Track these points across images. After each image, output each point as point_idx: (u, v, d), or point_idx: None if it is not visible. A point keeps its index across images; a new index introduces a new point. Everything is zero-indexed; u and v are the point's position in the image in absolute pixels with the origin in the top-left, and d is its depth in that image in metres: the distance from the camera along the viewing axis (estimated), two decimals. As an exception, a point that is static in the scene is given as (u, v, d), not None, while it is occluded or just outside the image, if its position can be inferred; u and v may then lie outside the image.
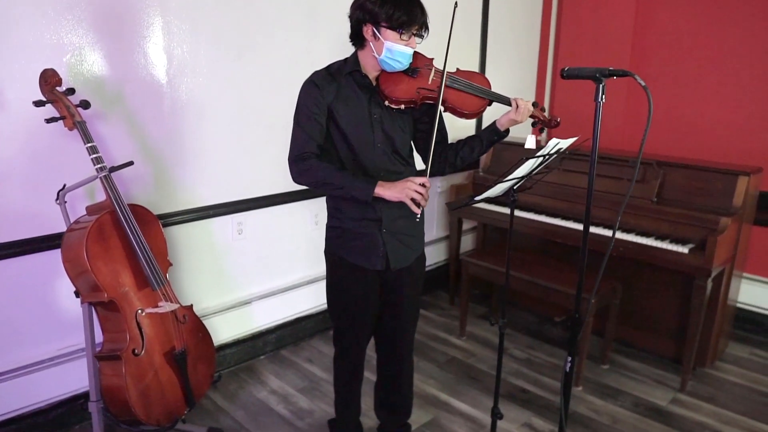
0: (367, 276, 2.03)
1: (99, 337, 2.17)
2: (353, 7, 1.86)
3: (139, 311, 2.11)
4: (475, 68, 3.95)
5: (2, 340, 2.23)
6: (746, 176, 2.79)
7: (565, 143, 1.80)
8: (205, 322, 2.40)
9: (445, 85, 1.89)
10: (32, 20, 2.08)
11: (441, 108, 1.90)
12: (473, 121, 3.95)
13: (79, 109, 2.07)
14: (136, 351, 2.08)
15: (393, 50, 1.80)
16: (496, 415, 2.22)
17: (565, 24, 4.22)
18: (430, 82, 1.91)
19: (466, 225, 4.12)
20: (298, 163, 1.89)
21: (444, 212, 4.02)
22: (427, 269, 2.25)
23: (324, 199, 2.13)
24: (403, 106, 1.92)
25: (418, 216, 1.86)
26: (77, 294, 2.08)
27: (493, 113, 2.04)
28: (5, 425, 2.27)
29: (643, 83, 1.42)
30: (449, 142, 2.11)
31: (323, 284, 2.22)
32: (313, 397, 2.76)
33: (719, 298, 2.96)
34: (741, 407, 2.75)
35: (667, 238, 2.85)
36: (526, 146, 1.98)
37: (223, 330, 2.93)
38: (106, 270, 2.03)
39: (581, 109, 4.00)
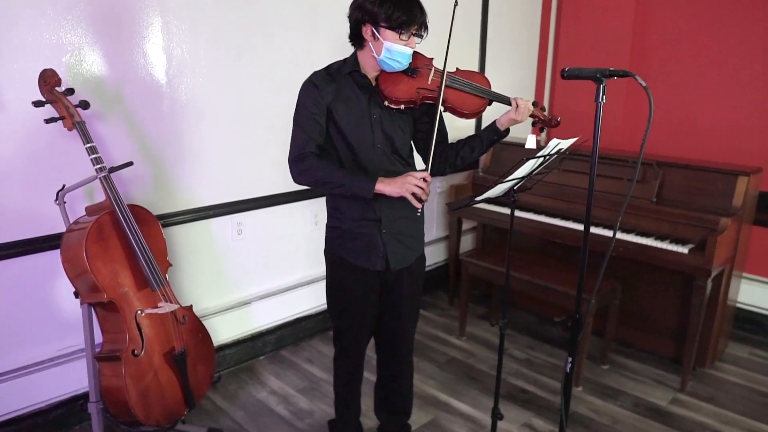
0: (367, 276, 2.03)
1: (98, 337, 2.17)
2: (352, 7, 1.86)
3: (139, 312, 2.10)
4: (475, 68, 3.95)
5: (2, 340, 2.23)
6: (746, 176, 2.79)
7: (565, 143, 1.80)
8: (205, 323, 2.40)
9: (445, 85, 1.88)
10: (31, 20, 2.07)
11: (441, 108, 1.90)
12: (473, 121, 3.94)
13: (79, 109, 2.07)
14: (136, 352, 2.08)
15: (392, 50, 1.80)
16: (496, 415, 2.22)
17: (564, 24, 4.22)
18: (429, 82, 1.91)
19: (466, 225, 4.12)
20: (298, 163, 1.88)
21: (444, 212, 4.02)
22: (426, 269, 2.25)
23: (324, 199, 2.13)
24: (402, 107, 1.92)
25: (419, 211, 1.86)
26: (77, 294, 2.08)
27: (493, 113, 2.04)
28: (5, 426, 2.27)
29: (644, 84, 1.42)
30: (449, 142, 2.10)
31: (323, 284, 2.21)
32: (313, 398, 2.76)
33: (719, 298, 2.96)
34: (741, 407, 2.75)
35: (666, 239, 2.85)
36: (527, 146, 1.98)
37: (223, 330, 2.92)
38: (106, 270, 2.03)
39: (581, 109, 3.99)
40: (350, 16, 1.87)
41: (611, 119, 3.89)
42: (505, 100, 1.91)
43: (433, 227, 3.98)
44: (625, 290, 3.12)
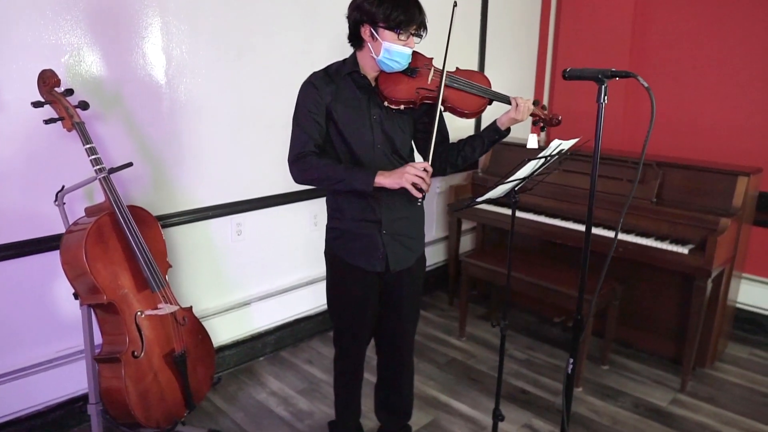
0: (367, 277, 2.02)
1: (98, 338, 2.16)
2: (351, 8, 1.85)
3: (139, 313, 2.10)
4: (474, 68, 3.94)
5: (1, 341, 2.22)
6: (746, 177, 2.79)
7: (566, 144, 1.79)
8: (205, 324, 2.39)
9: (445, 85, 1.88)
10: (31, 20, 2.07)
11: (441, 108, 1.89)
12: (473, 121, 3.95)
13: (78, 110, 2.06)
14: (136, 353, 2.07)
15: (391, 50, 1.80)
16: (497, 416, 2.22)
17: (564, 23, 4.22)
18: (429, 82, 1.90)
19: (466, 225, 4.12)
20: (297, 162, 1.88)
21: (443, 213, 4.02)
22: (426, 270, 2.25)
23: (323, 199, 2.12)
24: (402, 107, 1.91)
25: (420, 201, 1.84)
26: (76, 296, 2.07)
27: (493, 113, 2.03)
28: (4, 428, 2.26)
29: (646, 84, 1.42)
30: (450, 141, 2.10)
31: (322, 285, 2.21)
32: (313, 399, 2.76)
33: (719, 299, 2.96)
34: (741, 408, 2.75)
35: (666, 239, 2.85)
36: (528, 146, 1.97)
37: (223, 331, 2.92)
38: (105, 272, 2.02)
39: (581, 109, 3.99)
40: (349, 17, 1.86)
41: (611, 119, 3.89)
42: (505, 100, 1.90)
43: (433, 227, 3.98)
44: (625, 291, 3.12)
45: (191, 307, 2.33)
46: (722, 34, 3.48)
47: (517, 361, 3.15)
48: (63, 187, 2.10)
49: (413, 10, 1.78)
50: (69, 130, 2.04)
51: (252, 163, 2.84)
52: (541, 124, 1.97)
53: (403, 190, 1.81)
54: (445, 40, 1.87)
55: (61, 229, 2.10)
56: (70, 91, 2.06)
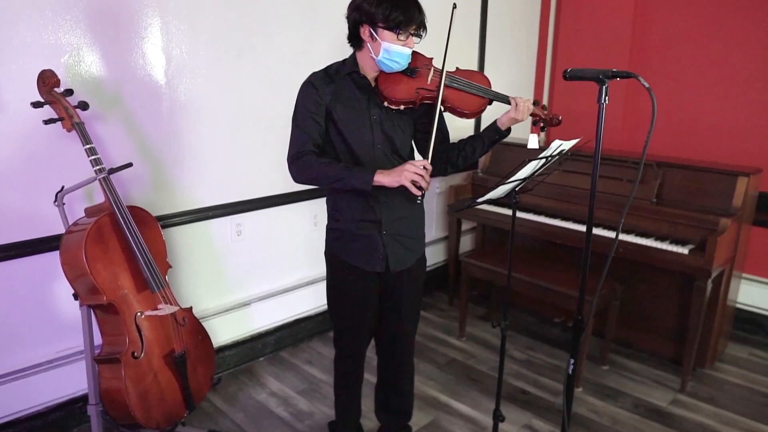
0: (367, 278, 2.02)
1: (98, 339, 2.16)
2: (350, 8, 1.85)
3: (139, 314, 2.09)
4: (474, 68, 3.94)
5: (0, 342, 2.22)
6: (746, 177, 2.79)
7: (567, 145, 1.79)
8: (204, 324, 2.39)
9: (445, 85, 1.87)
10: (30, 20, 2.06)
11: (441, 108, 1.89)
12: (473, 121, 3.94)
13: (78, 110, 2.06)
14: (136, 354, 2.07)
15: (390, 51, 1.79)
16: (498, 417, 2.21)
17: (563, 23, 4.22)
18: (429, 82, 1.90)
19: (465, 225, 4.11)
20: (296, 161, 1.87)
21: (443, 213, 4.02)
22: (426, 270, 2.24)
23: (323, 200, 2.12)
24: (402, 107, 1.91)
25: (419, 199, 1.83)
26: (76, 296, 2.07)
27: (493, 113, 2.03)
28: (4, 428, 2.26)
29: (647, 85, 1.42)
30: (450, 142, 2.10)
31: (322, 285, 2.21)
32: (313, 399, 2.75)
33: (719, 299, 2.96)
34: (741, 408, 2.75)
35: (666, 239, 2.85)
36: (529, 146, 1.97)
37: (222, 332, 2.91)
38: (105, 272, 2.02)
39: (581, 109, 3.99)
40: (348, 17, 1.86)
41: (611, 119, 3.89)
42: (505, 100, 1.90)
43: (432, 228, 3.98)
44: (625, 291, 3.12)
45: (191, 307, 2.33)
46: (722, 34, 3.48)
47: (517, 362, 3.15)
48: (63, 187, 2.09)
49: (412, 10, 1.78)
50: (69, 131, 2.03)
51: (252, 163, 2.84)
52: (542, 124, 1.96)
53: (402, 189, 1.80)
54: (445, 41, 1.87)
55: (61, 230, 2.09)
56: (69, 92, 2.06)
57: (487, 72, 3.99)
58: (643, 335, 3.25)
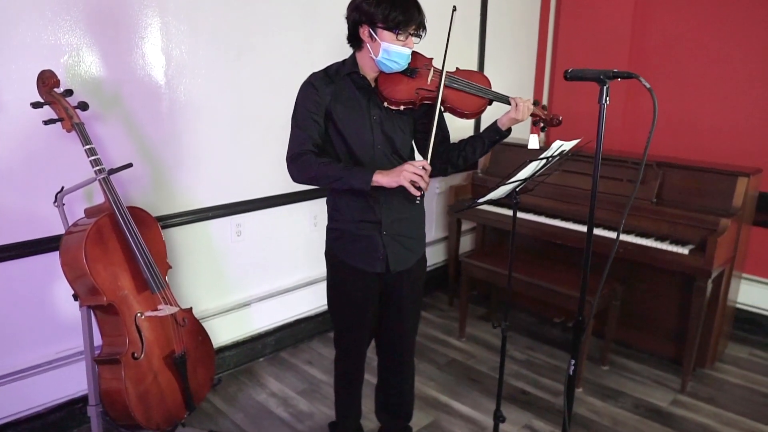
0: (367, 278, 2.02)
1: (98, 340, 2.15)
2: (350, 9, 1.85)
3: (139, 315, 2.09)
4: (474, 68, 3.94)
5: (0, 343, 2.21)
6: (746, 177, 2.79)
7: (568, 145, 1.79)
8: (204, 324, 2.39)
9: (445, 85, 1.87)
10: (30, 21, 2.06)
11: (441, 108, 1.89)
12: (472, 121, 3.94)
13: (78, 110, 2.05)
14: (136, 355, 2.06)
15: (390, 51, 1.79)
16: (498, 418, 2.21)
17: (563, 23, 4.22)
18: (429, 83, 1.90)
19: (465, 226, 4.11)
20: (295, 161, 1.87)
21: (443, 213, 4.01)
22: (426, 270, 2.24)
23: (323, 200, 2.12)
24: (402, 107, 1.91)
25: (418, 199, 1.82)
26: (76, 297, 2.06)
27: (494, 113, 2.03)
28: (4, 429, 2.25)
29: (648, 85, 1.42)
30: (451, 142, 2.10)
31: (322, 286, 2.21)
32: (313, 400, 2.75)
33: (719, 299, 2.96)
34: (741, 408, 2.75)
35: (666, 239, 2.85)
36: (530, 146, 1.97)
37: (222, 332, 2.91)
38: (105, 273, 2.01)
39: (581, 109, 3.99)
40: (348, 17, 1.86)
41: (611, 120, 3.89)
42: (505, 100, 1.90)
43: (432, 228, 3.97)
44: (625, 291, 3.12)
45: (191, 308, 2.33)
46: (722, 34, 3.48)
47: (517, 362, 3.15)
48: (62, 188, 2.09)
49: (412, 10, 1.78)
50: (68, 131, 2.03)
51: (252, 164, 2.84)
52: (542, 125, 1.96)
53: (401, 189, 1.80)
54: (445, 41, 1.86)
55: (61, 230, 2.09)
56: (69, 92, 2.05)
57: (486, 72, 3.99)
58: (643, 335, 3.25)
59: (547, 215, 3.25)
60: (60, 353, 2.37)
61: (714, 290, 2.88)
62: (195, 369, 2.27)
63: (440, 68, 1.88)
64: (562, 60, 4.27)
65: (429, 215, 3.89)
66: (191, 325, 2.28)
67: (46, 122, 2.02)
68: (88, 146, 2.02)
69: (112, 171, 2.07)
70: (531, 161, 1.77)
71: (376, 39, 1.79)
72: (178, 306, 2.22)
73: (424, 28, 1.85)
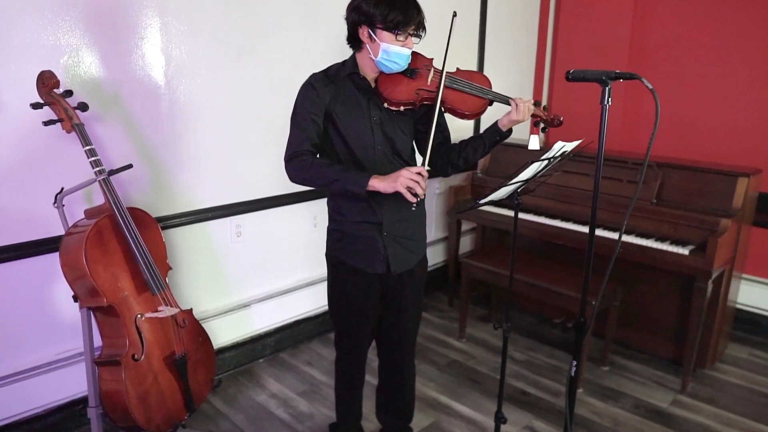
0: (368, 279, 2.02)
1: (98, 341, 2.15)
2: (349, 9, 1.84)
3: (139, 316, 2.08)
4: (474, 69, 3.94)
5: (0, 344, 2.22)
6: (746, 177, 2.79)
7: (570, 146, 1.79)
8: (204, 325, 2.38)
9: (445, 86, 1.87)
10: (30, 21, 2.05)
11: (441, 108, 1.88)
12: (472, 121, 3.94)
13: (77, 111, 2.05)
14: (136, 356, 2.06)
15: (389, 51, 1.79)
16: (500, 419, 2.21)
17: (563, 24, 4.22)
18: (429, 83, 1.89)
19: (465, 226, 4.11)
20: (292, 161, 1.86)
21: (443, 213, 4.01)
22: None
23: (323, 201, 2.11)
24: (402, 108, 1.90)
25: (414, 206, 1.80)
26: (75, 298, 2.06)
27: (494, 113, 2.03)
28: (3, 431, 2.24)
29: (650, 86, 1.41)
30: (452, 142, 2.09)
31: (322, 287, 2.21)
32: (314, 401, 2.75)
33: (719, 300, 2.96)
34: (741, 408, 2.75)
35: (667, 240, 2.85)
36: (530, 147, 1.96)
37: (222, 333, 2.90)
38: (105, 274, 2.01)
39: (580, 109, 3.98)
40: (347, 18, 1.85)
41: (611, 120, 3.85)
42: (505, 101, 1.89)
43: (432, 228, 3.97)
44: (625, 292, 3.12)
45: (191, 309, 2.32)
46: (722, 34, 3.48)
47: (518, 362, 3.14)
48: (62, 188, 2.09)
49: (411, 10, 1.77)
50: (68, 132, 2.02)
51: (252, 164, 2.83)
52: (542, 125, 1.96)
53: (398, 194, 1.78)
54: (445, 41, 1.86)
55: (61, 231, 2.09)
56: (69, 93, 2.05)
57: (486, 72, 3.99)
58: (643, 336, 3.25)
59: (548, 216, 3.25)
60: (60, 354, 2.36)
61: (714, 291, 2.88)
62: (195, 370, 2.27)
63: (440, 69, 1.88)
64: (562, 60, 4.26)
65: (429, 216, 3.87)
66: (191, 327, 2.28)
67: (46, 123, 2.01)
68: (88, 147, 2.02)
69: (112, 172, 2.06)
70: (533, 162, 1.77)
71: (375, 40, 1.79)
72: (179, 307, 2.22)
73: (424, 29, 1.84)
